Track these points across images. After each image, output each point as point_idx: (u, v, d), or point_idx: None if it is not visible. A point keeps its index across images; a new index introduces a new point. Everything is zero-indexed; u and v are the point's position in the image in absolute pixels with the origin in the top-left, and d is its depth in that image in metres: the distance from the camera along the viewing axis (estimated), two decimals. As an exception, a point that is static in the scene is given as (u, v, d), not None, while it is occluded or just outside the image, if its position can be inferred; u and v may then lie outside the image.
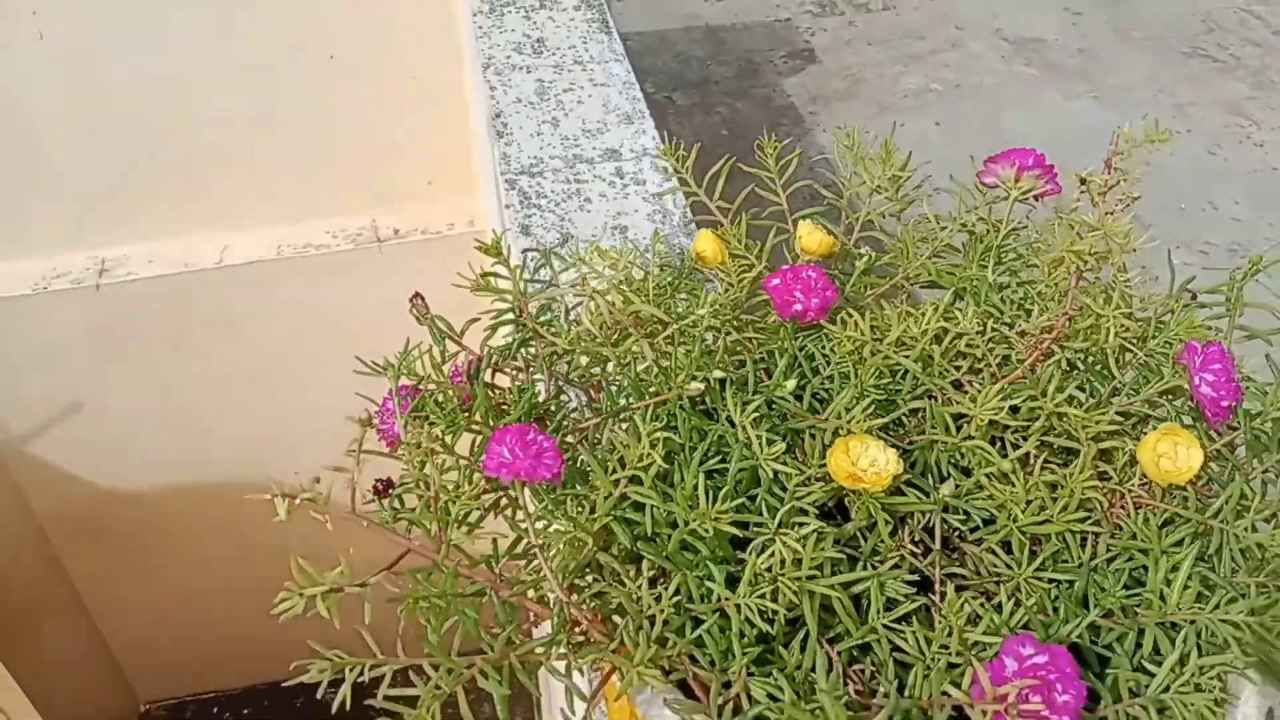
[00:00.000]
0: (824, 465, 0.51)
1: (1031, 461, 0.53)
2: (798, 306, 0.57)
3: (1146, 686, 0.44)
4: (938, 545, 0.51)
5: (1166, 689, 0.43)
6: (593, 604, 0.47)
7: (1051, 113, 3.30)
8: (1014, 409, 0.53)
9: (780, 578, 0.46)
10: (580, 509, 0.49)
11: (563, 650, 0.45)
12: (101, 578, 2.87)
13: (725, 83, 3.61)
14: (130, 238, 2.85)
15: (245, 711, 2.69)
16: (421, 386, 0.54)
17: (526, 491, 0.49)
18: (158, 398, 2.81)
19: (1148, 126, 0.61)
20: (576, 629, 0.46)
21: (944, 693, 0.41)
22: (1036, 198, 0.62)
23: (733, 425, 0.52)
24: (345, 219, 3.03)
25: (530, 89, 1.33)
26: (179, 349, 3.00)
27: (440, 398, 0.53)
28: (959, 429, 0.54)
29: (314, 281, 2.96)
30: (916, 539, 0.52)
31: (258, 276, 2.99)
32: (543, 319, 0.59)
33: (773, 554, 0.47)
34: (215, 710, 2.78)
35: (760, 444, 0.50)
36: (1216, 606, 0.46)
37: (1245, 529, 0.49)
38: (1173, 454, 0.50)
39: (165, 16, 2.43)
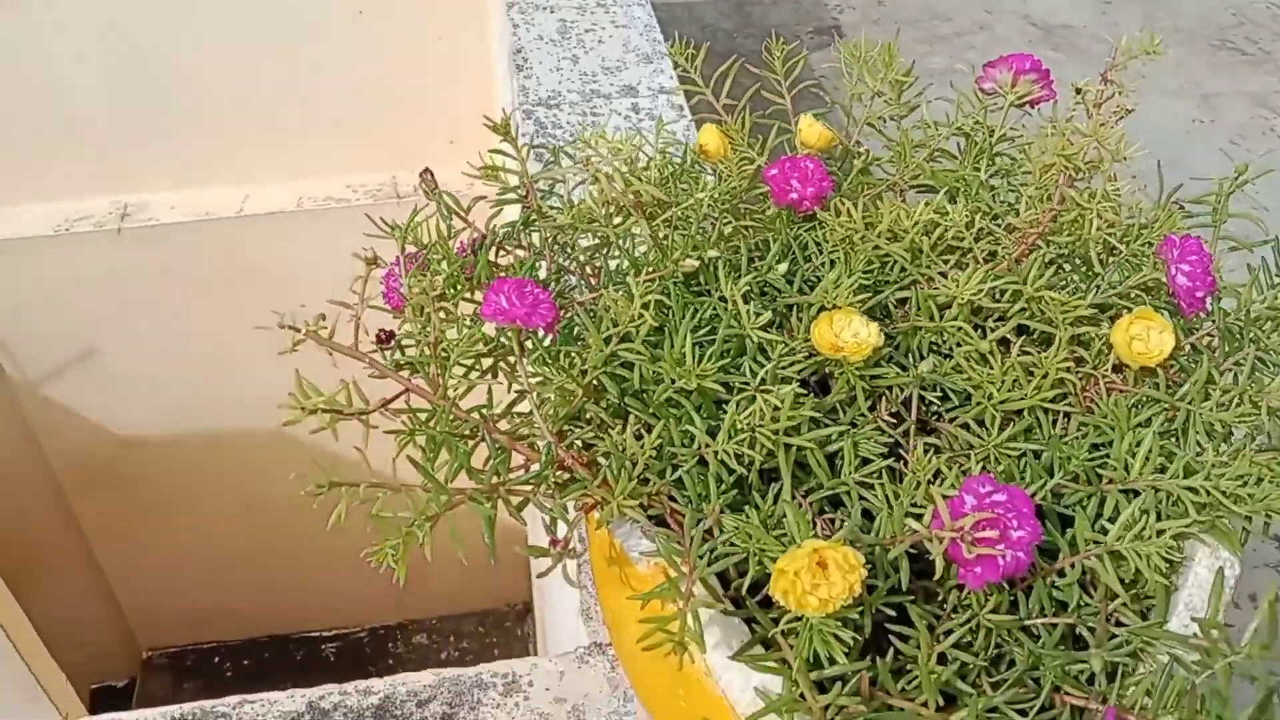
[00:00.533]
0: (809, 340, 0.53)
1: (1010, 346, 0.55)
2: (794, 195, 0.59)
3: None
4: (913, 417, 0.53)
5: (1122, 540, 0.45)
6: (580, 450, 0.49)
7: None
8: (997, 295, 0.55)
9: (758, 428, 0.48)
10: (572, 364, 0.51)
11: (549, 487, 0.47)
12: (110, 525, 2.91)
13: (751, 56, 3.61)
14: (153, 185, 2.88)
15: (245, 663, 2.74)
16: (427, 254, 0.56)
17: (526, 344, 0.51)
18: (175, 345, 2.85)
19: (1144, 39, 0.63)
20: (563, 469, 0.48)
21: (906, 528, 0.43)
22: (1032, 105, 0.63)
23: (724, 302, 0.55)
24: (366, 175, 3.06)
25: (552, 27, 1.34)
26: (197, 296, 3.03)
27: (445, 264, 0.56)
28: (942, 317, 0.56)
29: (333, 234, 2.98)
30: (894, 412, 0.54)
31: (277, 227, 3.02)
32: (547, 200, 0.61)
33: (753, 411, 0.49)
34: (216, 660, 2.82)
35: (748, 314, 0.53)
36: (1176, 475, 0.48)
37: (1210, 409, 0.51)
38: (1145, 336, 0.52)
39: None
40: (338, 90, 2.80)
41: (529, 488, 0.48)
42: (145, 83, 2.68)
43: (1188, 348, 0.56)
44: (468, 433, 0.49)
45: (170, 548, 2.85)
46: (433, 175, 0.60)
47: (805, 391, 0.52)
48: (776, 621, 0.43)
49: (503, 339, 0.52)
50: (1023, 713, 0.42)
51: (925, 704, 0.41)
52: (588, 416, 0.51)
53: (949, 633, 0.45)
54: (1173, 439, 0.51)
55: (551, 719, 0.64)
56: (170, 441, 2.78)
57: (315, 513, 0.46)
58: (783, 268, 0.58)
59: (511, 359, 0.52)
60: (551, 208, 0.61)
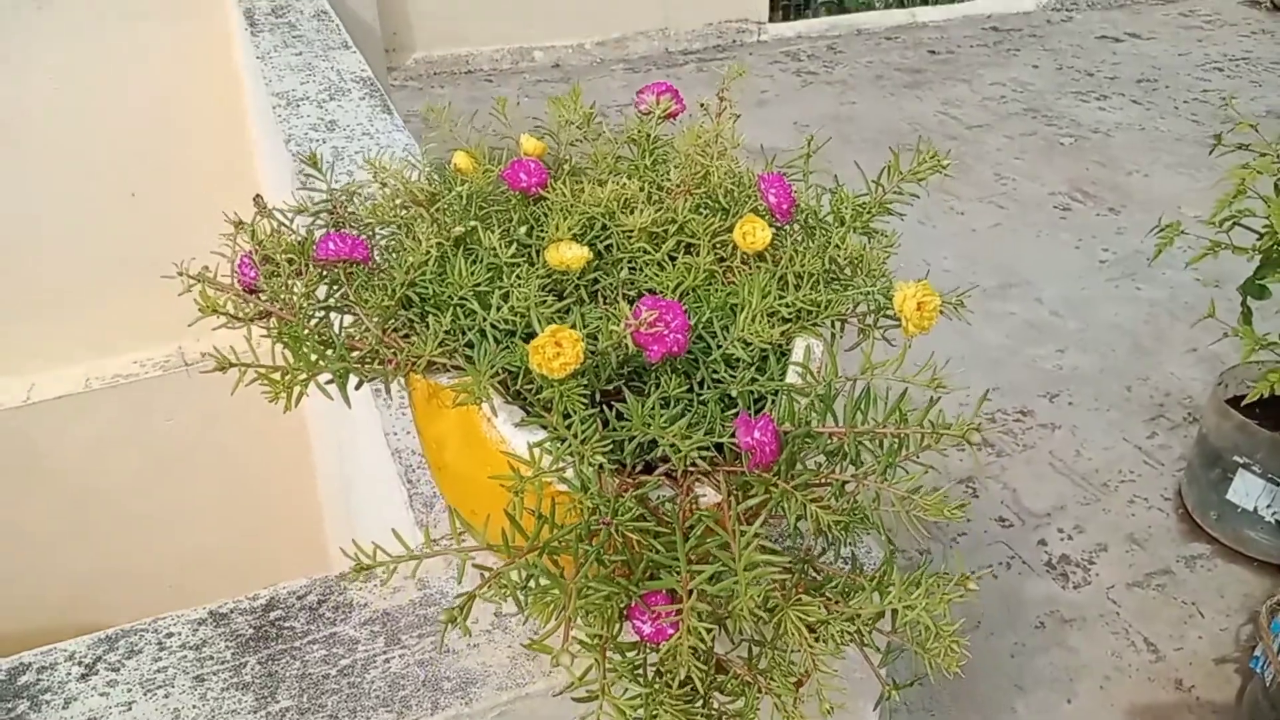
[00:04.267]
0: (546, 266, 0.80)
1: (677, 258, 0.83)
2: (524, 183, 0.86)
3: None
4: (622, 301, 0.80)
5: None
6: (398, 336, 0.73)
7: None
8: (661, 224, 0.84)
9: (516, 308, 0.74)
10: (385, 288, 0.75)
11: (379, 363, 0.71)
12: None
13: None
14: (-66, 384, 2.91)
15: None
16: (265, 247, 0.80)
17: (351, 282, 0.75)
18: (-30, 542, 2.83)
19: (734, 68, 0.95)
20: (388, 350, 0.72)
21: (613, 334, 0.69)
22: (672, 116, 0.94)
23: (487, 250, 0.81)
24: (152, 349, 3.19)
25: (327, 153, 1.61)
26: (-9, 491, 3.02)
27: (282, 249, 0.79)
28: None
29: (123, 410, 3.06)
30: (610, 302, 0.81)
31: (66, 410, 3.09)
32: (350, 210, 0.86)
33: (512, 298, 0.75)
34: None
35: (501, 248, 0.79)
36: (775, 298, 0.77)
37: (796, 264, 0.80)
38: (752, 233, 0.81)
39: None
40: (114, 268, 2.95)
41: (367, 366, 0.71)
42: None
43: (788, 243, 0.86)
44: (319, 339, 0.72)
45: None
46: (262, 198, 0.84)
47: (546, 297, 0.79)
48: (541, 401, 0.68)
49: (335, 280, 0.76)
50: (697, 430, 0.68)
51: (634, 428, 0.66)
52: (401, 321, 0.75)
53: (653, 405, 0.71)
54: (778, 287, 0.80)
55: (402, 593, 0.85)
56: (-29, 643, 2.72)
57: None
58: (523, 230, 0.85)
59: (340, 291, 0.76)
60: (353, 214, 0.86)
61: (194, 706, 0.75)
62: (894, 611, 0.68)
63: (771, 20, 6.04)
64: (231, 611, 0.83)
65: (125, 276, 2.82)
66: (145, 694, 0.76)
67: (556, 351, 0.65)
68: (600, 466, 0.64)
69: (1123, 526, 2.35)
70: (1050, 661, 2.03)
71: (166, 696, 0.76)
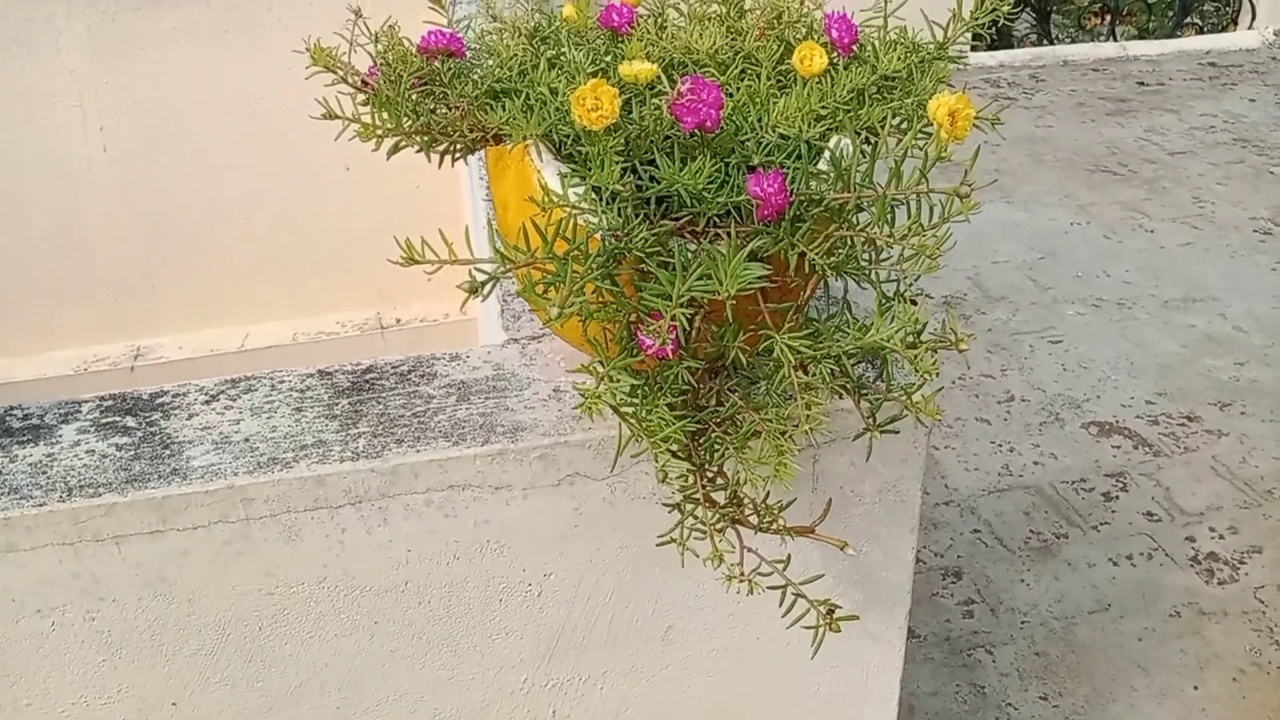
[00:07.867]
0: (619, 79, 0.90)
1: (743, 79, 0.92)
2: (614, 22, 0.97)
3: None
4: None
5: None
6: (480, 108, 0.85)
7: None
8: (729, 50, 0.93)
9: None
10: (474, 82, 0.87)
11: (465, 128, 0.83)
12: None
13: None
14: (163, 329, 3.30)
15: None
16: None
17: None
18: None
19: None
20: (465, 122, 0.84)
21: (656, 106, 0.79)
22: (762, -23, 1.03)
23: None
24: (353, 311, 3.49)
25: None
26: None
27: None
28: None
29: (324, 364, 3.34)
30: (672, 115, 0.90)
31: (275, 359, 3.41)
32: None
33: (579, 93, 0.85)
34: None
35: (581, 59, 0.90)
36: (814, 103, 0.84)
37: (843, 82, 0.87)
38: (809, 57, 0.89)
39: (205, 133, 2.93)
40: (327, 237, 3.26)
41: (450, 134, 0.83)
42: (154, 237, 3.13)
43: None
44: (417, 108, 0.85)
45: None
46: (397, 28, 0.98)
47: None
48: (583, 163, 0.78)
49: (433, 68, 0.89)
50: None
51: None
52: (481, 105, 0.87)
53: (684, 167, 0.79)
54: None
55: (480, 370, 0.96)
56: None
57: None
58: (609, 58, 0.95)
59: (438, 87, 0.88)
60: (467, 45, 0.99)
61: (289, 426, 0.89)
62: (884, 366, 0.73)
63: (974, 50, 5.98)
64: (336, 371, 0.96)
65: (334, 243, 3.09)
66: (252, 415, 0.90)
67: (595, 104, 0.75)
68: (622, 203, 0.73)
69: (1284, 533, 2.22)
70: (1181, 648, 1.94)
71: (269, 418, 0.90)
